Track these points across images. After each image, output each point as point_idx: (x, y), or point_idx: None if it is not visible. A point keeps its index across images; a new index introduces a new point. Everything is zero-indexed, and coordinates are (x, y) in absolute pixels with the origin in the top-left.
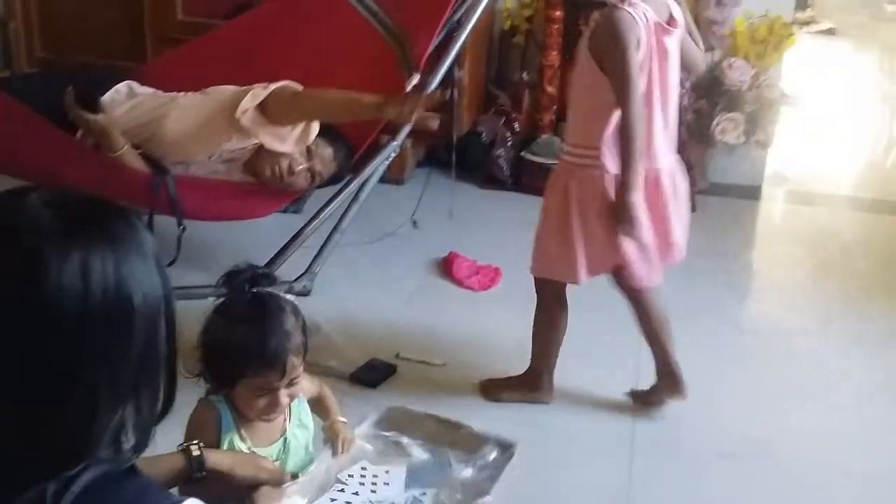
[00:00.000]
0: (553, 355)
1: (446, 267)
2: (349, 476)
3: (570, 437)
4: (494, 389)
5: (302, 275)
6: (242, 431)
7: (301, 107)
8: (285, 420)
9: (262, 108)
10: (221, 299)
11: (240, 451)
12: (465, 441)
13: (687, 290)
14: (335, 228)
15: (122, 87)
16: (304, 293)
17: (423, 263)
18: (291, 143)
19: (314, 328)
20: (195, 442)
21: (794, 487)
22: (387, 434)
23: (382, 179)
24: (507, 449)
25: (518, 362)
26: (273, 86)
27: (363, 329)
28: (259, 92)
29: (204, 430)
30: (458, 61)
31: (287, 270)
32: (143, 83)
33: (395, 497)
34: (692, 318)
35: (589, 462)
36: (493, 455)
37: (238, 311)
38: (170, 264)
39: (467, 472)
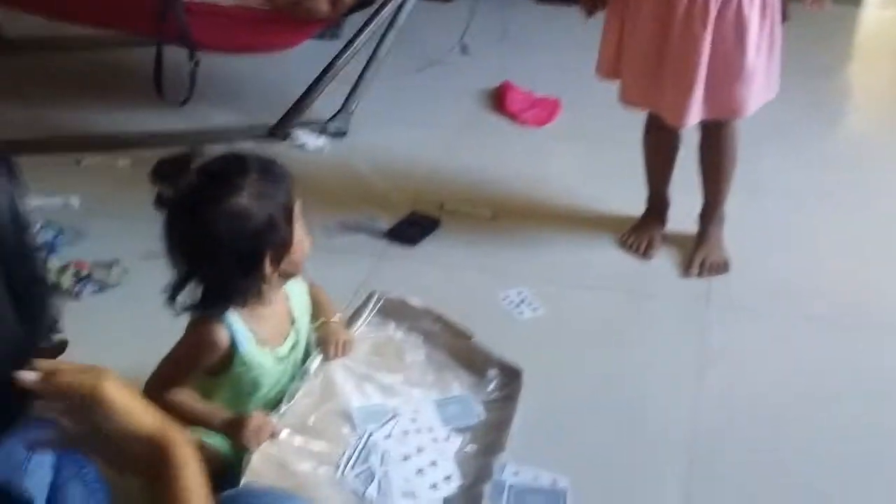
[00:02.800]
0: None
1: (499, 99)
2: (387, 436)
3: (637, 294)
4: None
5: (336, 114)
6: (259, 336)
7: None
8: (287, 301)
9: None
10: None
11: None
12: (466, 355)
13: (766, 112)
14: (371, 59)
15: None
16: (339, 134)
17: (473, 95)
18: None
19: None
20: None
21: (882, 357)
22: (382, 325)
23: None
24: (512, 377)
25: (576, 211)
26: None
27: (404, 176)
28: None
29: (209, 353)
30: None
31: (321, 109)
32: None
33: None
34: (769, 146)
35: (659, 324)
36: (494, 383)
37: (239, 191)
38: (183, 103)
39: (479, 410)
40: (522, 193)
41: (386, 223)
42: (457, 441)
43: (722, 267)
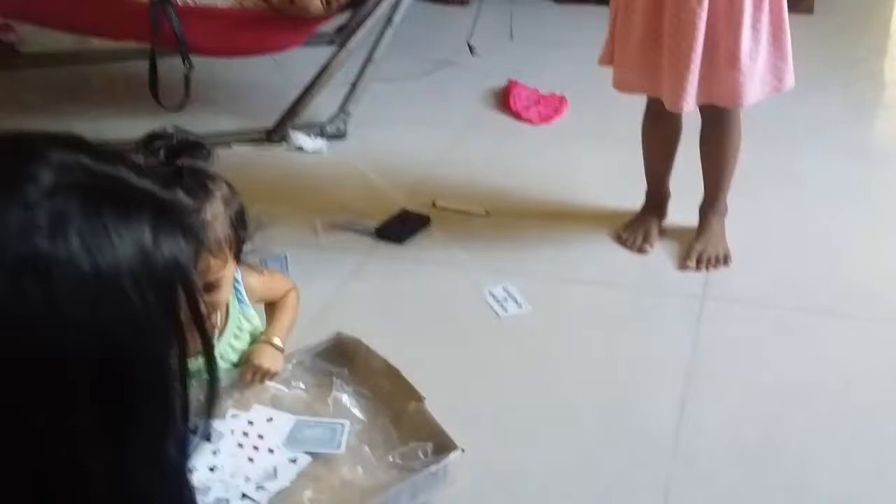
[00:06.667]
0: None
1: (504, 98)
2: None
3: (633, 288)
4: None
5: (334, 116)
6: None
7: None
8: (214, 328)
9: None
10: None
11: None
12: (409, 421)
13: (796, 107)
14: (368, 60)
15: None
16: (338, 136)
17: (479, 95)
18: None
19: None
20: None
21: (888, 352)
22: (326, 377)
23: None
24: (440, 455)
25: (574, 208)
26: None
27: (400, 175)
28: None
29: None
30: None
31: (322, 111)
32: None
33: (268, 456)
34: (797, 143)
35: (650, 319)
36: (418, 458)
37: None
38: (179, 108)
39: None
40: (519, 191)
41: (376, 222)
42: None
43: (722, 260)
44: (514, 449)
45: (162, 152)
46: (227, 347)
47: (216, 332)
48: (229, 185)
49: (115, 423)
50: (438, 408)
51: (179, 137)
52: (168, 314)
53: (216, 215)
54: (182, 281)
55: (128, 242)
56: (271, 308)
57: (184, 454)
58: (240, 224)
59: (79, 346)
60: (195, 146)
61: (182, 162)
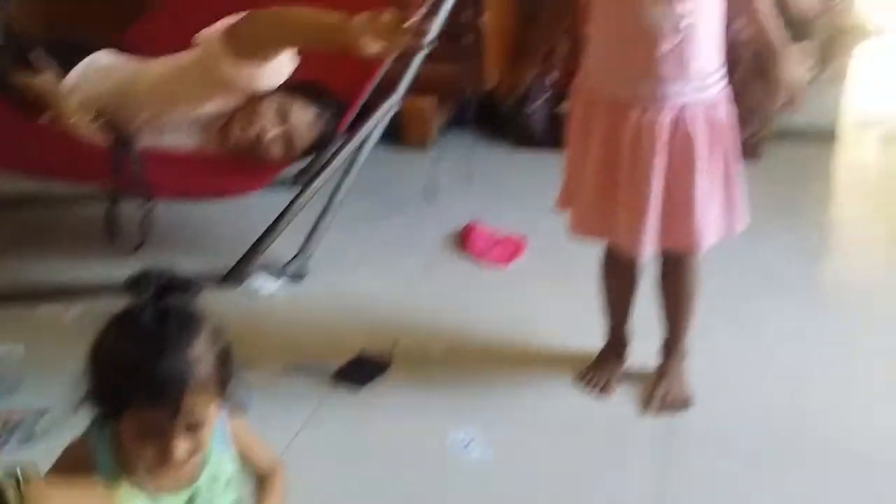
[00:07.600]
0: None
1: (463, 240)
2: None
3: (585, 437)
4: None
5: (293, 258)
6: (135, 475)
7: (269, 33)
8: (196, 467)
9: (230, 37)
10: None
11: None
12: None
13: (746, 254)
14: (330, 202)
15: (96, 56)
16: (297, 278)
17: (439, 238)
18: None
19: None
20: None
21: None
22: None
23: (403, 143)
24: None
25: (535, 350)
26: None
27: (359, 318)
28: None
29: (74, 475)
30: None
31: (282, 254)
32: (122, 51)
33: None
34: (751, 287)
35: (614, 464)
36: None
37: (135, 323)
38: (136, 249)
39: None
40: (479, 333)
41: (334, 365)
42: None
43: (683, 403)
44: None
45: (150, 291)
46: (210, 489)
47: (197, 471)
48: (215, 323)
49: None
50: None
51: (167, 276)
52: None
53: (201, 354)
54: None
55: None
56: (260, 487)
57: None
58: (225, 362)
59: None
60: (183, 284)
61: (169, 301)
